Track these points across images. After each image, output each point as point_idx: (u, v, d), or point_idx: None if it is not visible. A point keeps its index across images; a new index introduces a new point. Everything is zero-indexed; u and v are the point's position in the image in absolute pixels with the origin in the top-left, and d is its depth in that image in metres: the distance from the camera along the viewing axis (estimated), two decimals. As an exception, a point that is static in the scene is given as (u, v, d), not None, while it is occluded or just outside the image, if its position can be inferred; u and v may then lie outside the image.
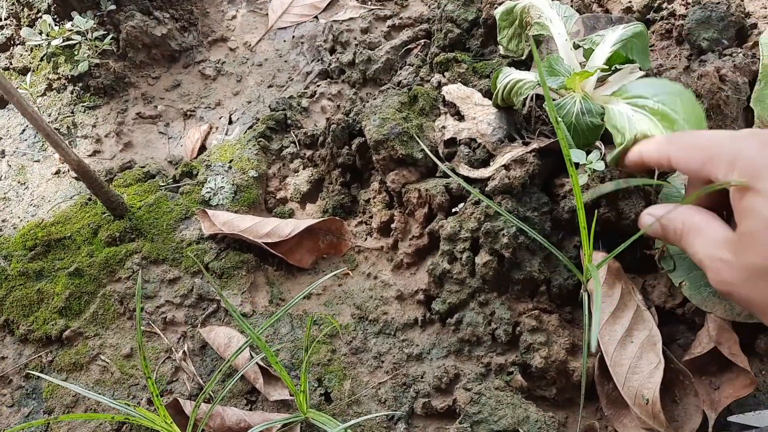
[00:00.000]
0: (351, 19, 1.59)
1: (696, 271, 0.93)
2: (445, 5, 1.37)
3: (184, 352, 1.11)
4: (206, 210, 1.23)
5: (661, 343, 0.92)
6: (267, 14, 1.70)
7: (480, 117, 1.16)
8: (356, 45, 1.52)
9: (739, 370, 0.91)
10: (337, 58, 1.51)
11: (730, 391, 0.89)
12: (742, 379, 0.91)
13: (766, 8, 1.23)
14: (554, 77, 1.04)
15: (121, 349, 1.14)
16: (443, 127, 1.17)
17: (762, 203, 0.68)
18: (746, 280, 0.70)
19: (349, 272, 1.18)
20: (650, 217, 0.85)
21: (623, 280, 0.99)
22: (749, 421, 0.89)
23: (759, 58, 1.13)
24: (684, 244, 0.79)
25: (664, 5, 1.28)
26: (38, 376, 1.15)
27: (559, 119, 0.98)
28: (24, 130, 1.56)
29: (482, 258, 1.00)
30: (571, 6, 1.33)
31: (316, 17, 1.65)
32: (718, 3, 1.19)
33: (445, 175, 1.12)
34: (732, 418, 0.88)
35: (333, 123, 1.22)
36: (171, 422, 0.94)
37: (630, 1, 1.30)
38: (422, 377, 1.02)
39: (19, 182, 1.47)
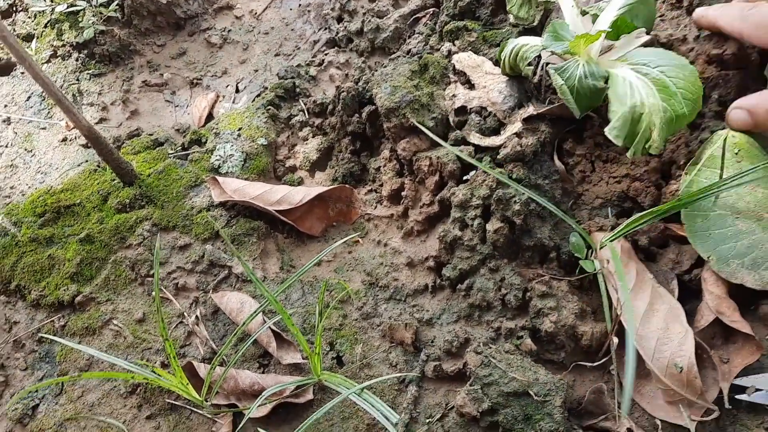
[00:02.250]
0: (358, -13, 1.57)
1: (722, 245, 0.94)
2: (455, -27, 1.36)
3: (196, 316, 1.12)
4: (216, 177, 1.23)
5: (684, 315, 0.93)
6: (273, -18, 1.68)
7: (491, 85, 1.16)
8: (364, 13, 1.51)
9: (743, 337, 0.92)
10: (345, 27, 1.50)
11: (738, 360, 0.91)
12: (748, 346, 0.92)
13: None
14: (559, 42, 1.04)
15: (133, 314, 1.15)
16: (454, 95, 1.18)
17: None
18: None
19: (359, 240, 1.19)
20: (739, 110, 0.88)
21: (634, 259, 1.00)
22: (758, 383, 0.90)
23: None
24: None
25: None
26: (51, 340, 1.17)
27: (561, 82, 0.99)
28: (29, 98, 1.55)
29: (493, 225, 1.01)
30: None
31: (322, -15, 1.64)
32: None
33: (457, 143, 1.12)
34: (738, 381, 0.90)
35: (343, 91, 1.22)
36: (187, 383, 0.96)
37: (641, -29, 1.29)
38: (432, 341, 1.03)
39: (25, 149, 1.46)
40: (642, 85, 0.95)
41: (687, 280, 0.99)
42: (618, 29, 1.07)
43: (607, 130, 0.95)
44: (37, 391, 1.13)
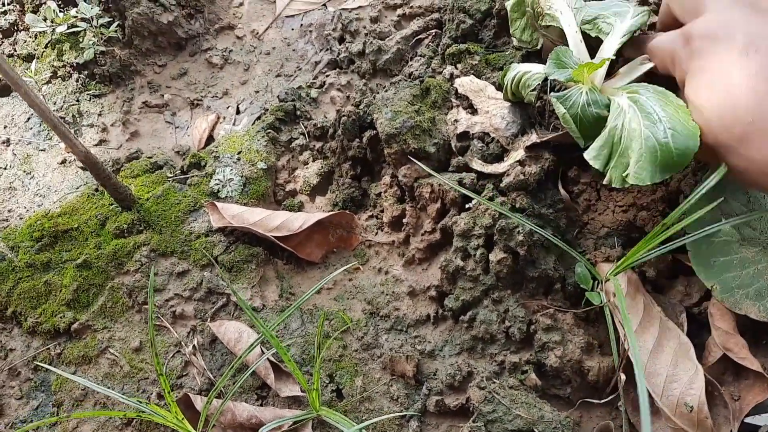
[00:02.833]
0: (360, 7, 1.56)
1: (726, 274, 0.92)
2: (458, -5, 1.34)
3: (194, 346, 1.10)
4: (215, 202, 1.21)
5: (693, 350, 0.91)
6: (274, 1, 1.67)
7: (493, 110, 1.14)
8: (366, 34, 1.49)
9: (754, 375, 0.90)
10: (347, 48, 1.49)
11: (749, 397, 0.88)
12: (758, 383, 0.90)
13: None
14: (562, 69, 1.01)
15: (130, 342, 1.13)
16: (456, 120, 1.16)
17: None
18: None
19: (360, 267, 1.17)
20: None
21: (642, 291, 0.98)
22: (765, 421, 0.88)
23: None
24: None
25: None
26: (47, 369, 1.15)
27: (564, 111, 0.96)
28: (29, 119, 1.54)
29: (497, 255, 0.99)
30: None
31: (324, 5, 1.62)
32: None
33: (459, 170, 1.10)
34: (750, 419, 0.88)
35: (344, 115, 1.21)
36: (182, 419, 0.93)
37: (646, -8, 1.27)
38: (435, 374, 1.01)
39: (24, 171, 1.45)
40: (630, 111, 0.90)
41: (696, 313, 0.97)
42: (622, 55, 1.05)
43: (586, 152, 0.90)
44: (32, 420, 1.11)
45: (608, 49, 1.05)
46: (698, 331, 0.96)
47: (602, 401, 0.94)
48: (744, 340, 0.90)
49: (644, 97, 0.89)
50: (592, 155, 0.90)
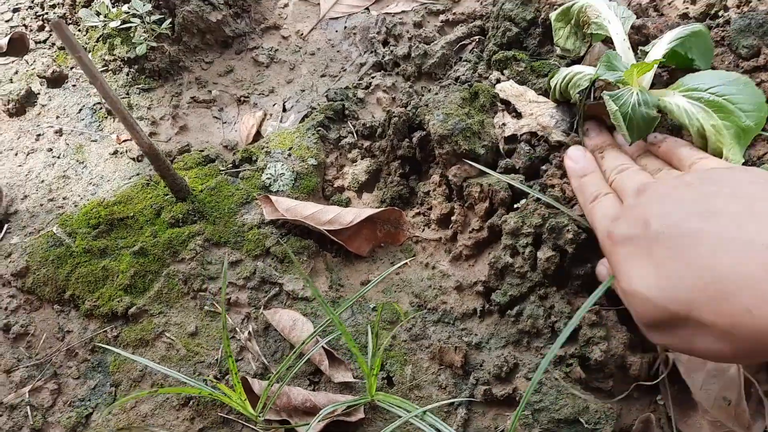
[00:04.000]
0: (403, 12, 1.61)
1: None
2: (503, 3, 1.39)
3: (249, 332, 1.15)
4: (269, 196, 1.27)
5: None
6: (318, 3, 1.73)
7: (538, 112, 1.19)
8: (410, 39, 1.54)
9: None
10: (391, 51, 1.54)
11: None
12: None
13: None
14: (613, 71, 1.07)
15: (186, 327, 1.18)
16: (503, 124, 1.21)
17: None
18: None
19: (408, 263, 1.22)
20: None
21: None
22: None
23: None
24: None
25: (720, 13, 1.30)
26: (104, 350, 1.20)
27: (615, 108, 1.02)
28: (81, 110, 1.60)
29: (545, 253, 1.04)
30: (629, 7, 1.35)
31: (367, 9, 1.68)
32: (756, 11, 1.22)
33: (506, 171, 1.15)
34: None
35: (394, 115, 1.26)
36: (245, 399, 0.98)
37: (687, 8, 1.33)
38: (482, 365, 1.06)
39: (77, 161, 1.50)
40: (697, 110, 0.97)
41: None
42: (670, 60, 1.10)
43: None
44: (89, 399, 1.16)
45: (657, 52, 1.10)
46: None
47: (643, 395, 0.99)
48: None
49: (707, 93, 0.99)
50: None
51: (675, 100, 1.02)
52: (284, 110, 1.53)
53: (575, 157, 1.06)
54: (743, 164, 0.99)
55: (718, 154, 0.98)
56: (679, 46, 1.10)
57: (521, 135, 1.17)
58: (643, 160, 1.04)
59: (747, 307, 0.64)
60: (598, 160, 1.06)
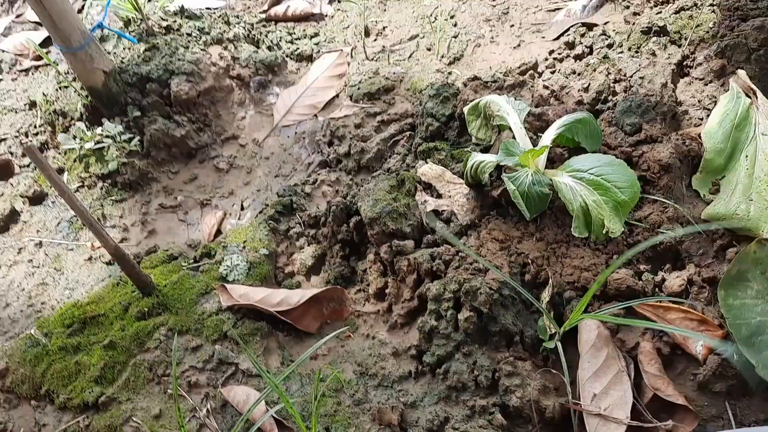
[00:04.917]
0: (346, 116, 1.83)
1: (766, 352, 1.02)
2: (426, 103, 1.61)
3: (207, 410, 1.26)
4: (225, 285, 1.41)
5: (631, 404, 1.06)
6: (272, 114, 1.94)
7: (454, 193, 1.37)
8: (351, 138, 1.75)
9: (682, 409, 1.05)
10: (335, 150, 1.74)
11: (681, 429, 1.03)
12: (687, 417, 1.05)
13: (694, 98, 1.46)
14: (510, 157, 1.26)
15: (151, 411, 1.28)
16: (425, 201, 1.38)
17: None
18: None
19: (351, 334, 1.34)
20: None
21: (611, 346, 1.14)
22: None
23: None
24: None
25: (610, 98, 1.51)
26: (76, 440, 1.29)
27: (514, 188, 1.20)
28: (59, 223, 1.76)
29: (464, 314, 1.18)
30: (531, 99, 1.57)
31: (315, 115, 1.89)
32: (636, 94, 1.43)
33: (429, 246, 1.31)
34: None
35: (333, 205, 1.43)
36: (200, 468, 1.08)
37: (581, 95, 1.54)
38: (417, 422, 1.16)
39: (55, 269, 1.65)
40: (581, 188, 1.16)
41: (634, 357, 1.14)
42: (561, 143, 1.30)
43: (572, 229, 1.19)
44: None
45: (547, 139, 1.30)
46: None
47: (559, 434, 1.09)
48: (669, 380, 1.07)
49: (588, 173, 1.19)
50: (577, 232, 1.20)
51: (563, 179, 1.20)
52: (242, 209, 1.70)
53: None
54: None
55: (600, 225, 1.15)
56: (566, 131, 1.30)
57: (441, 212, 1.34)
58: None
59: None
60: None
